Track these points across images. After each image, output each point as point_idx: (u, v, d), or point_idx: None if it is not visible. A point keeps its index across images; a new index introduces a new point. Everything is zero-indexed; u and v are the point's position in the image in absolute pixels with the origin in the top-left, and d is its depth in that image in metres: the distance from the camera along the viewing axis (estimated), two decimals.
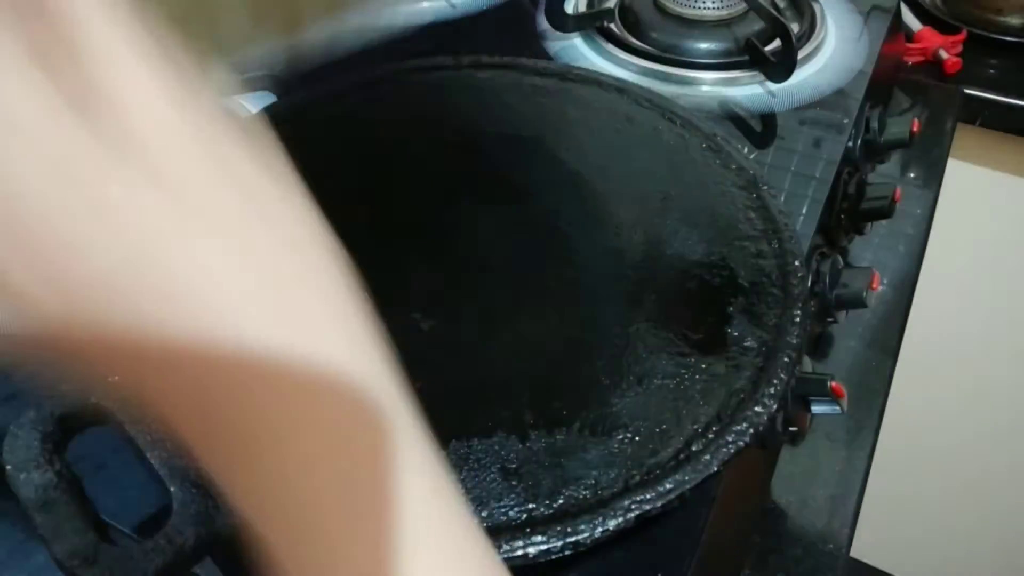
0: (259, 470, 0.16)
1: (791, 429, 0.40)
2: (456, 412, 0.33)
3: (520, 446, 0.33)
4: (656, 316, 0.37)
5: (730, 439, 0.32)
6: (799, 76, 0.57)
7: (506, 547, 0.30)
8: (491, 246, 0.40)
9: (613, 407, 0.34)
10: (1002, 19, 0.72)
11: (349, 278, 0.17)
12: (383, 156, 0.45)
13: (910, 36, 0.71)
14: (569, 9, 0.64)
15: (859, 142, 0.53)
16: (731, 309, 0.37)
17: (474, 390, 0.34)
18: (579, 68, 0.51)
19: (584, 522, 0.30)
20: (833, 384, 0.41)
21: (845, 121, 0.51)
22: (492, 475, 0.32)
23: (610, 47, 0.59)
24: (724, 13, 0.60)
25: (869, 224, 0.54)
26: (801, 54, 0.57)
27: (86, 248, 0.15)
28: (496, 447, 0.33)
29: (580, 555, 0.30)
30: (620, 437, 0.33)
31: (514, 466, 0.32)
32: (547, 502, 0.31)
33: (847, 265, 0.49)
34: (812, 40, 0.59)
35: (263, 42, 0.37)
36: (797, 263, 0.39)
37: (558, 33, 0.61)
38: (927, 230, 0.59)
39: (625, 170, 0.43)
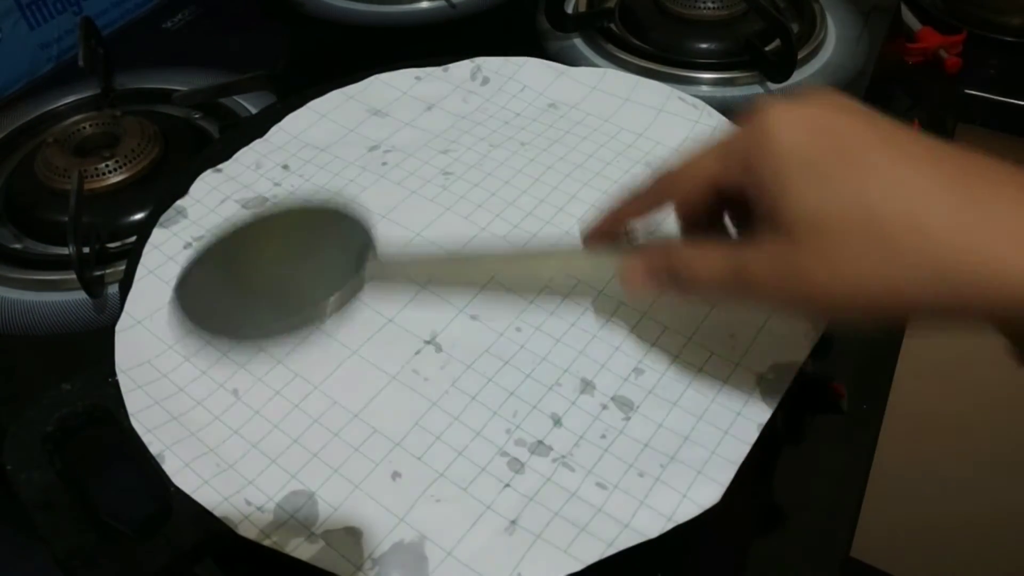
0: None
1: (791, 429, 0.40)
2: None
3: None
4: None
5: None
6: (799, 76, 0.57)
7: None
8: None
9: None
10: (1002, 19, 0.72)
11: None
12: None
13: (910, 36, 0.71)
14: (569, 9, 0.64)
15: None
16: None
17: None
18: None
19: None
20: (833, 384, 0.41)
21: None
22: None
23: (610, 47, 0.60)
24: (724, 13, 0.60)
25: None
26: (801, 54, 0.57)
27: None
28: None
29: None
30: None
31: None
32: None
33: None
34: (812, 40, 0.59)
35: None
36: None
37: (558, 33, 0.61)
38: None
39: None
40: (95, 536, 0.31)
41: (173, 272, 0.40)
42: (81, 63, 0.56)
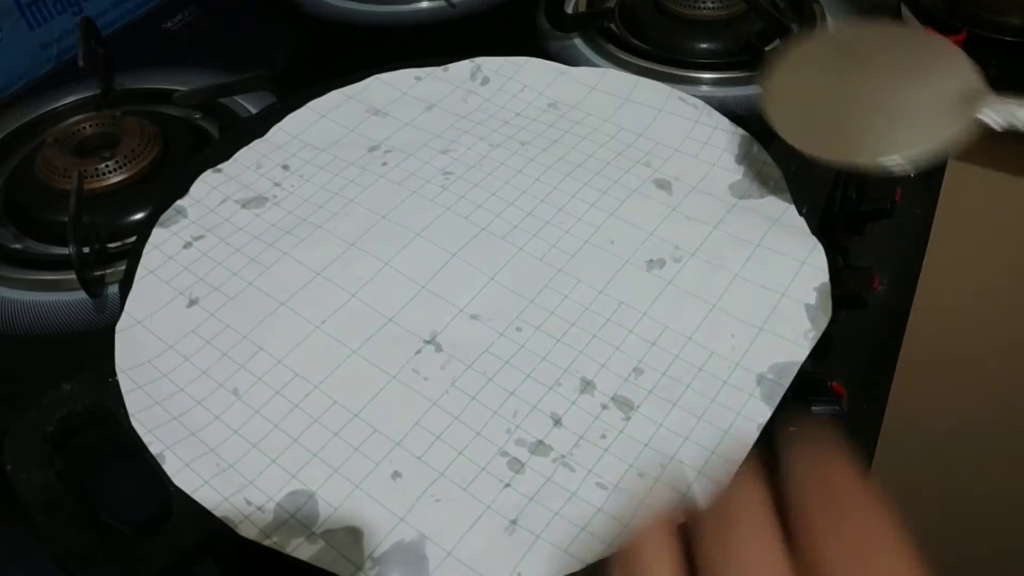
0: None
1: (791, 429, 0.40)
2: None
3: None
4: None
5: None
6: None
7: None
8: None
9: None
10: (1002, 19, 0.72)
11: None
12: None
13: None
14: (569, 9, 0.64)
15: None
16: None
17: None
18: None
19: None
20: (833, 384, 0.41)
21: None
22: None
23: (610, 47, 0.59)
24: (724, 13, 0.60)
25: (869, 224, 0.54)
26: None
27: None
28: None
29: None
30: None
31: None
32: None
33: (847, 265, 0.49)
34: None
35: None
36: None
37: (558, 33, 0.61)
38: (927, 230, 0.59)
39: None
40: (95, 536, 0.31)
41: (173, 272, 0.40)
42: (81, 63, 0.56)
